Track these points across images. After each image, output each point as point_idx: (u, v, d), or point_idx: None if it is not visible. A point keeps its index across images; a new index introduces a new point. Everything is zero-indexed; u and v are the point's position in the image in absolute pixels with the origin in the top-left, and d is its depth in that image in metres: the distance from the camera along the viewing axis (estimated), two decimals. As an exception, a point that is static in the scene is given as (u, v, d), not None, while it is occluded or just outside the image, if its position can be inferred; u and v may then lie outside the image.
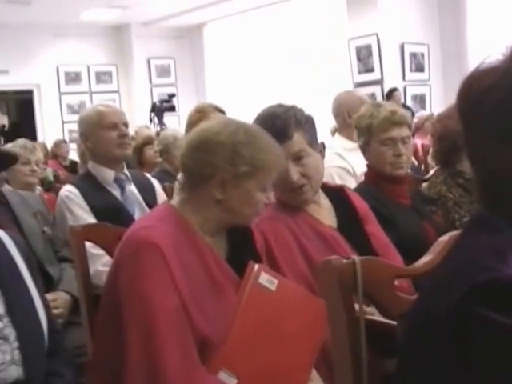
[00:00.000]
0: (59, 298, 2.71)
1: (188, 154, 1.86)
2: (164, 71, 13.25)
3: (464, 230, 1.09)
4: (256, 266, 1.84)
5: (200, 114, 3.51)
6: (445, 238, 1.44)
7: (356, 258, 1.25)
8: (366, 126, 2.83)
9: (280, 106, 2.23)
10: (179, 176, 1.95)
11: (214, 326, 1.72)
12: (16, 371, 1.51)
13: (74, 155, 9.09)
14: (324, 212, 2.28)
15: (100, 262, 2.73)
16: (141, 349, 1.63)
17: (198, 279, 1.75)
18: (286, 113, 2.16)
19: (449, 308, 0.92)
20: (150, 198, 3.13)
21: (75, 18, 11.65)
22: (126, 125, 3.11)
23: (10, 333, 1.54)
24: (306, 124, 2.20)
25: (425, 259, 1.39)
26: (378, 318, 1.69)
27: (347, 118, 3.95)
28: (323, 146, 2.29)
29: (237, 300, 1.79)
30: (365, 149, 2.89)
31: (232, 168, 1.80)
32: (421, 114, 8.47)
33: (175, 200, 1.92)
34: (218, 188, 1.81)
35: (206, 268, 1.78)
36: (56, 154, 9.29)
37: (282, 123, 2.13)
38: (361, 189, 2.80)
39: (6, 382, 1.51)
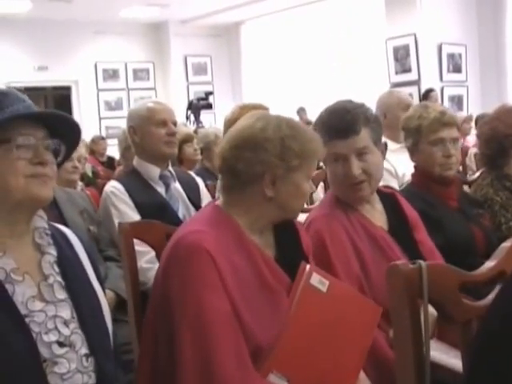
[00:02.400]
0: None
1: (234, 155, 1.80)
2: (200, 69, 13.29)
3: None
4: (308, 267, 1.82)
5: (243, 111, 3.47)
6: (507, 244, 1.41)
7: (422, 262, 1.24)
8: (415, 126, 2.79)
9: (350, 101, 2.24)
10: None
11: (266, 330, 1.71)
12: (81, 379, 1.45)
13: (111, 151, 9.17)
14: (377, 214, 2.27)
15: (144, 258, 2.74)
16: (195, 355, 1.61)
17: (249, 283, 1.73)
18: (357, 109, 2.18)
19: None
20: (194, 196, 3.13)
21: (114, 16, 11.79)
22: (174, 123, 3.11)
23: (77, 339, 1.47)
24: (374, 122, 2.21)
25: (488, 265, 1.37)
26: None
27: (383, 118, 3.92)
28: (385, 146, 2.29)
29: (288, 302, 1.77)
30: (413, 150, 2.85)
31: (283, 163, 1.78)
32: (459, 115, 8.40)
33: (221, 200, 1.89)
34: (268, 185, 1.78)
35: (257, 271, 1.76)
36: (93, 150, 9.35)
37: (352, 117, 2.14)
38: (408, 191, 2.79)
39: None
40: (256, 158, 1.78)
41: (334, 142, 2.14)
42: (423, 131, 2.77)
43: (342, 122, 2.13)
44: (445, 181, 2.79)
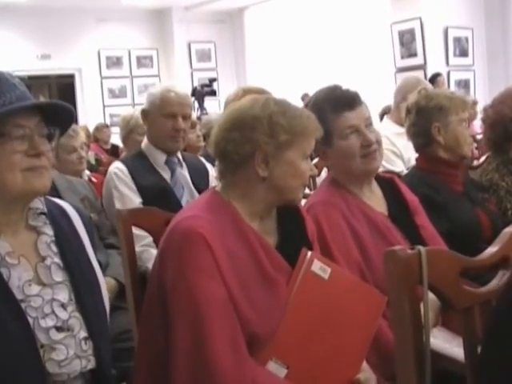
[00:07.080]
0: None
1: (224, 137, 1.78)
2: (204, 55, 13.26)
3: None
4: (309, 254, 1.79)
5: (245, 94, 3.40)
6: (510, 229, 1.38)
7: (422, 248, 1.21)
8: (446, 105, 2.73)
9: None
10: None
11: (263, 319, 1.68)
12: (79, 365, 1.44)
13: (115, 139, 9.15)
14: (376, 200, 2.26)
15: (140, 243, 2.70)
16: (188, 341, 1.60)
17: (247, 270, 1.70)
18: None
19: None
20: (201, 183, 3.03)
21: (117, 3, 11.72)
22: (185, 117, 3.00)
23: (75, 323, 1.45)
24: None
25: (490, 250, 1.33)
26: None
27: (403, 101, 3.89)
28: None
29: (288, 289, 1.75)
30: (439, 129, 2.75)
31: (272, 139, 1.74)
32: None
33: (220, 186, 1.86)
34: (260, 165, 1.75)
35: (255, 259, 1.73)
36: (97, 137, 9.34)
37: (352, 91, 2.23)
38: (413, 175, 2.76)
39: (70, 376, 1.44)
40: (244, 137, 1.75)
41: (345, 115, 2.16)
42: (453, 110, 2.73)
43: (347, 94, 2.20)
44: (454, 164, 2.76)
